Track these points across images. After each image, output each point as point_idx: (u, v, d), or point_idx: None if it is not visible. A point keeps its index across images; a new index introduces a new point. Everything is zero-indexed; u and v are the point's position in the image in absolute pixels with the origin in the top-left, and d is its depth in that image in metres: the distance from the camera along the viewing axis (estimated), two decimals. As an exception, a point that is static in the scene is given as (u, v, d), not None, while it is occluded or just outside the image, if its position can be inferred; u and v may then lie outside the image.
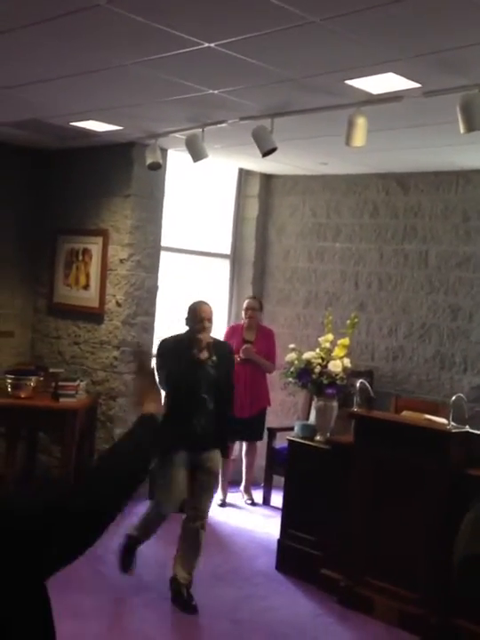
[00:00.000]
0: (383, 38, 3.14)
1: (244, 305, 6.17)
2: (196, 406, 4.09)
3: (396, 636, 3.87)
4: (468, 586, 1.50)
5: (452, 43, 3.12)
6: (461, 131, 3.54)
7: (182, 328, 4.33)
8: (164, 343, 4.29)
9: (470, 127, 3.50)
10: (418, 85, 3.64)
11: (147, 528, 4.32)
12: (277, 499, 5.45)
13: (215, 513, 5.86)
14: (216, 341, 4.33)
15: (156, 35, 3.26)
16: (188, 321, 4.21)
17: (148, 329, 6.05)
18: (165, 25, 3.16)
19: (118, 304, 5.88)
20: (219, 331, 6.27)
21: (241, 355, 5.93)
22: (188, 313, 4.23)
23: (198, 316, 4.15)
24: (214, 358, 4.16)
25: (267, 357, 6.05)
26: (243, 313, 6.16)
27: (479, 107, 3.44)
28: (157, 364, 4.17)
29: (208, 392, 4.10)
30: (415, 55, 3.28)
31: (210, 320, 4.18)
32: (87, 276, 6.08)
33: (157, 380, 3.98)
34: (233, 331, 6.16)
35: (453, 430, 3.85)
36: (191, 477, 4.19)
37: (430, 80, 3.58)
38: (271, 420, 6.45)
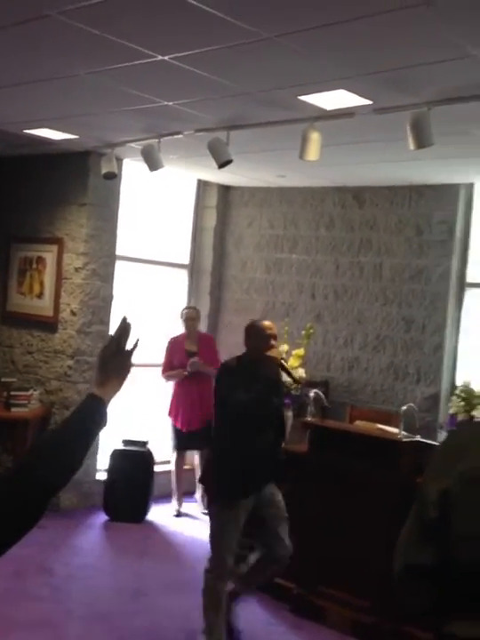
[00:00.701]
0: (334, 56, 3.20)
1: (184, 315, 6.14)
2: (262, 437, 3.63)
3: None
4: (407, 595, 1.51)
5: (401, 62, 3.20)
6: (411, 147, 3.63)
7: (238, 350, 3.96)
8: (226, 365, 3.81)
9: (420, 144, 3.58)
10: (369, 102, 3.72)
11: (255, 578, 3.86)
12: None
13: (170, 523, 5.85)
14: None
15: (109, 46, 3.27)
16: (252, 340, 3.78)
17: (104, 338, 6.00)
18: (117, 36, 3.17)
19: (73, 313, 5.84)
20: (164, 342, 6.25)
21: (188, 369, 5.92)
22: (250, 332, 3.82)
23: (264, 332, 3.72)
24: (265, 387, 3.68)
25: (211, 364, 6.06)
26: (182, 323, 6.14)
27: (428, 124, 3.53)
28: (219, 388, 3.72)
29: (271, 421, 3.70)
30: (366, 73, 3.35)
31: (276, 337, 3.79)
32: (41, 284, 6.02)
33: (215, 406, 3.74)
34: (175, 343, 6.11)
35: (404, 439, 3.91)
36: (252, 516, 3.70)
37: (381, 97, 3.65)
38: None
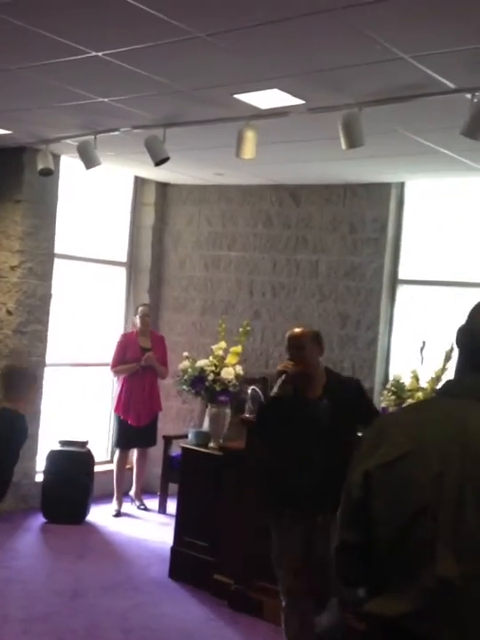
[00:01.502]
0: (267, 55, 3.24)
1: (140, 312, 6.17)
2: (301, 461, 3.24)
3: (283, 636, 3.96)
4: (341, 571, 1.59)
5: (333, 63, 3.27)
6: (343, 147, 3.70)
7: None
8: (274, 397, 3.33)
9: (351, 144, 3.66)
10: (302, 102, 3.78)
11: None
12: (173, 506, 5.46)
13: (110, 524, 5.81)
14: (336, 377, 3.46)
15: (41, 41, 3.23)
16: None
17: (42, 338, 5.93)
18: (50, 32, 3.14)
19: (9, 312, 5.74)
20: (113, 339, 6.24)
21: (142, 363, 5.95)
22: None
23: (287, 342, 3.39)
24: (326, 401, 3.27)
25: (162, 363, 6.11)
26: (137, 320, 6.16)
27: (359, 124, 3.61)
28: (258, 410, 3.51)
29: (317, 444, 3.22)
30: (298, 73, 3.41)
31: (298, 347, 3.33)
32: (-24, 283, 5.89)
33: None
34: (127, 338, 6.14)
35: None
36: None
37: (314, 97, 3.72)
38: (167, 428, 6.45)
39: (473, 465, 1.39)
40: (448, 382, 1.59)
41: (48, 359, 6.01)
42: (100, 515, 5.91)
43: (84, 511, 5.76)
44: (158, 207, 6.90)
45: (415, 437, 1.47)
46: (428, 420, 1.49)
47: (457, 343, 1.55)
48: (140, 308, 6.22)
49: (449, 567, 1.37)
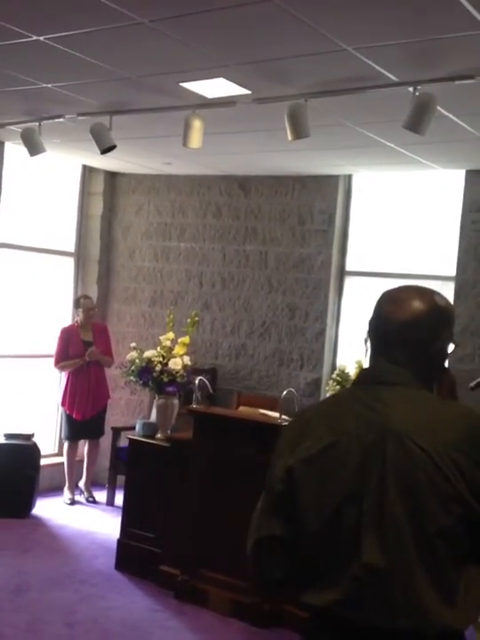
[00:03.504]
0: (211, 44, 3.22)
1: (83, 305, 6.06)
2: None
3: (228, 625, 3.98)
4: (260, 567, 1.57)
5: (277, 53, 3.26)
6: (289, 138, 3.71)
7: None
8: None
9: (297, 135, 3.67)
10: (248, 92, 3.77)
11: None
12: (121, 498, 5.42)
13: (57, 517, 5.74)
14: None
15: (-20, 23, 3.14)
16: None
17: (-14, 328, 5.81)
18: (-11, 14, 3.06)
19: None
20: (54, 333, 6.12)
21: (86, 358, 5.88)
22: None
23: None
24: None
25: (105, 353, 6.05)
26: (79, 312, 6.06)
27: (304, 116, 3.62)
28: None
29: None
30: (243, 62, 3.40)
31: None
32: None
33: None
34: (68, 333, 6.03)
35: (284, 423, 4.01)
36: None
37: (260, 87, 3.71)
38: (116, 420, 6.41)
39: (391, 452, 1.41)
40: (360, 371, 1.63)
41: (-7, 350, 5.90)
42: (46, 508, 5.83)
43: (30, 505, 5.67)
44: (107, 197, 6.81)
45: (335, 429, 1.48)
46: (346, 410, 1.51)
47: (368, 333, 1.58)
48: (84, 301, 6.11)
49: (374, 554, 1.39)
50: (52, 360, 6.08)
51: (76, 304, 6.15)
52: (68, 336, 6.00)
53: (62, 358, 5.95)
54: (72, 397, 5.96)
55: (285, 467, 1.50)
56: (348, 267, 5.86)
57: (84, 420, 5.96)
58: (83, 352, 5.91)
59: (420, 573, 1.38)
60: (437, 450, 1.39)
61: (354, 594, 1.41)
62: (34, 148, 4.78)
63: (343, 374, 4.23)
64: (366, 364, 1.59)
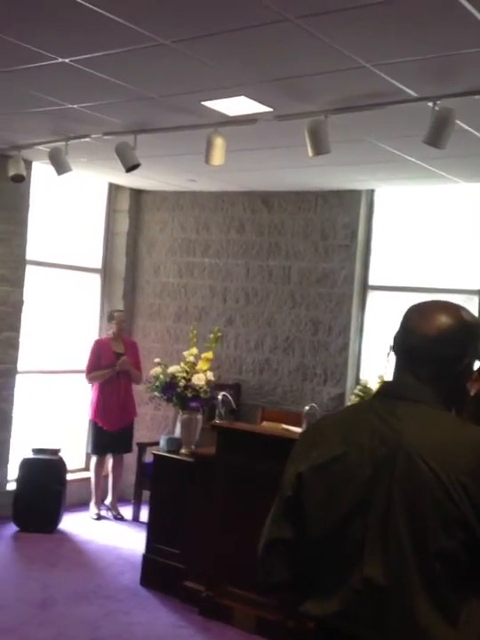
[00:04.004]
0: (233, 63, 3.27)
1: (116, 318, 6.18)
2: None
3: None
4: (267, 568, 1.58)
5: (297, 71, 3.30)
6: (310, 154, 3.73)
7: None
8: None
9: (318, 151, 3.69)
10: (269, 109, 3.81)
11: None
12: (147, 514, 5.45)
13: (83, 532, 5.77)
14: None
15: (8, 47, 3.24)
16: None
17: (14, 345, 5.89)
18: (16, 38, 3.14)
19: (-20, 319, 5.70)
20: (87, 346, 6.21)
21: (117, 367, 5.96)
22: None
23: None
24: None
25: (136, 368, 6.13)
26: (113, 326, 6.17)
27: (325, 132, 3.64)
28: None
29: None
30: (265, 80, 3.43)
31: None
32: None
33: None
34: (100, 345, 6.13)
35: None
36: None
37: (281, 105, 3.75)
38: (141, 435, 6.44)
39: (400, 468, 1.41)
40: (382, 384, 1.63)
41: (20, 366, 5.98)
42: (73, 523, 5.87)
43: (57, 520, 5.71)
44: (132, 214, 6.90)
45: (348, 440, 1.49)
46: (361, 422, 1.51)
47: (392, 347, 1.58)
48: (117, 314, 6.23)
49: (375, 568, 1.39)
50: (80, 375, 6.15)
51: (109, 317, 6.26)
52: (100, 348, 6.09)
53: (93, 369, 6.02)
54: (102, 408, 6.01)
55: (296, 472, 1.52)
56: (371, 281, 5.85)
57: (113, 431, 6.01)
58: (114, 363, 5.99)
59: (419, 592, 1.36)
60: (446, 471, 1.37)
61: (352, 607, 1.42)
62: (61, 167, 4.87)
63: (366, 389, 4.21)
64: (389, 378, 1.59)
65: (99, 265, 6.92)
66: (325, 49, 2.99)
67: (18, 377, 5.96)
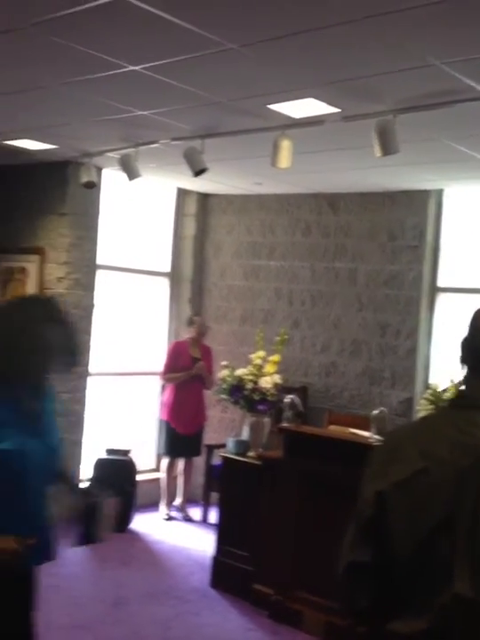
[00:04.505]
0: (299, 65, 3.26)
1: (196, 322, 6.24)
2: None
3: None
4: (351, 593, 1.54)
5: (366, 71, 3.27)
6: (377, 154, 3.69)
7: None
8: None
9: (386, 151, 3.65)
10: (337, 110, 3.78)
11: None
12: (215, 516, 5.49)
13: (154, 532, 5.86)
14: None
15: (81, 57, 3.32)
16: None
17: (86, 348, 6.03)
18: (89, 48, 3.22)
19: (54, 323, 5.85)
20: (156, 349, 6.32)
21: (193, 372, 6.05)
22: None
23: None
24: None
25: (209, 373, 6.18)
26: (192, 330, 6.23)
27: (393, 132, 3.59)
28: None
29: None
30: (331, 82, 3.42)
31: None
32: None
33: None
34: (178, 347, 6.21)
35: (375, 443, 3.96)
36: None
37: (348, 105, 3.72)
38: (209, 437, 6.49)
39: None
40: (457, 393, 1.56)
41: (92, 369, 6.12)
42: (143, 523, 5.97)
43: (128, 519, 5.82)
44: (199, 217, 6.97)
45: (428, 453, 1.44)
46: (439, 434, 1.46)
47: (462, 356, 1.53)
48: (196, 319, 6.30)
49: (465, 584, 1.35)
50: (149, 377, 6.25)
51: (189, 322, 6.34)
52: (178, 350, 6.17)
53: (170, 370, 6.10)
54: (176, 411, 6.08)
55: (375, 491, 1.46)
56: (441, 283, 5.73)
57: (185, 434, 6.07)
58: (191, 367, 6.06)
59: None
60: None
61: (442, 624, 1.37)
62: (131, 173, 4.97)
63: (436, 393, 4.12)
64: (462, 387, 1.55)
65: (167, 268, 7.02)
66: (394, 48, 2.96)
67: (89, 379, 6.10)
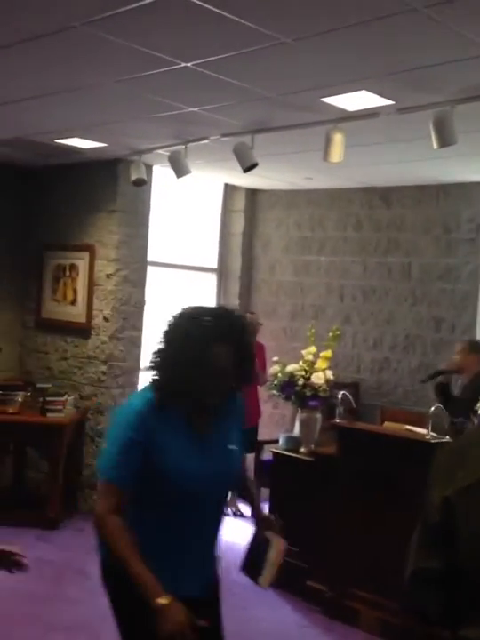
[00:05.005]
0: (354, 57, 3.21)
1: (248, 319, 6.21)
2: None
3: None
4: (416, 599, 1.51)
5: (422, 61, 3.20)
6: (434, 146, 3.62)
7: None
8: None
9: (443, 142, 3.57)
10: (391, 102, 3.72)
11: None
12: (265, 511, 5.48)
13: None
14: None
15: (133, 55, 3.33)
16: None
17: (136, 343, 6.08)
18: (141, 45, 3.23)
19: (105, 319, 5.92)
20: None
21: None
22: None
23: None
24: None
25: (261, 370, 6.15)
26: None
27: (451, 123, 3.51)
28: None
29: None
30: (386, 73, 3.36)
31: None
32: (74, 291, 6.12)
33: None
34: None
35: (432, 440, 3.89)
36: None
37: (403, 97, 3.65)
38: (260, 432, 6.47)
39: None
40: None
41: (143, 364, 6.16)
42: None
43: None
44: (248, 213, 6.96)
45: None
46: None
47: None
48: (249, 316, 6.26)
49: None
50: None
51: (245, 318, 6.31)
52: None
53: None
54: None
55: (441, 497, 1.43)
56: (499, 276, 5.60)
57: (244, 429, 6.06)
58: None
59: None
60: None
61: None
62: (180, 169, 4.97)
63: (497, 391, 4.03)
64: None
65: (215, 265, 7.03)
66: (453, 37, 2.88)
67: (141, 374, 6.15)
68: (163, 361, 2.11)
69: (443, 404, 4.64)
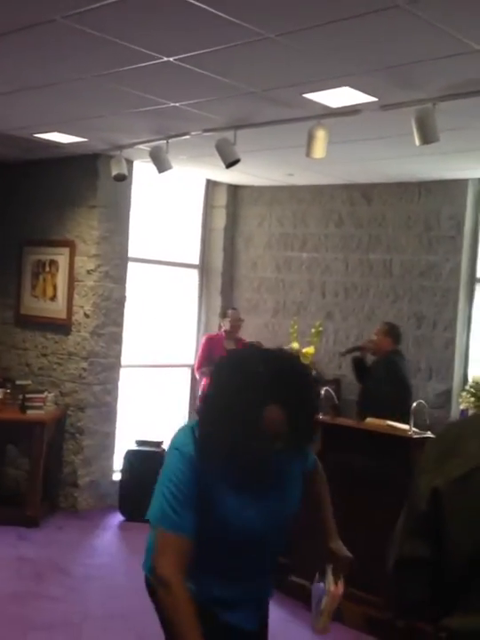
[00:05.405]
0: (337, 54, 3.20)
1: (230, 315, 6.22)
2: None
3: None
4: (401, 588, 1.51)
5: (405, 58, 3.20)
6: (417, 143, 3.63)
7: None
8: None
9: (425, 140, 3.58)
10: (374, 99, 3.72)
11: None
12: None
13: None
14: None
15: (114, 49, 3.29)
16: None
17: (117, 340, 6.05)
18: (122, 39, 3.19)
19: (86, 315, 5.88)
20: (192, 341, 6.30)
21: None
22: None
23: None
24: None
25: None
26: (226, 323, 6.20)
27: (433, 120, 3.52)
28: None
29: None
30: (369, 70, 3.35)
31: None
32: (54, 287, 6.07)
33: None
34: (212, 341, 6.18)
35: (414, 436, 3.91)
36: None
37: (386, 94, 3.65)
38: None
39: None
40: None
41: (123, 360, 6.14)
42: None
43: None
44: (230, 209, 6.94)
45: None
46: None
47: None
48: (230, 312, 6.27)
49: None
50: (179, 369, 6.24)
51: (223, 314, 6.32)
52: (212, 343, 6.14)
53: (205, 364, 6.09)
54: None
55: (431, 486, 1.42)
56: (480, 273, 5.65)
57: None
58: None
59: None
60: None
61: None
62: (161, 165, 4.94)
63: (478, 386, 4.06)
64: None
65: (197, 261, 7.01)
66: (436, 34, 2.88)
67: (122, 371, 6.12)
68: (207, 413, 1.88)
69: (358, 375, 5.42)
